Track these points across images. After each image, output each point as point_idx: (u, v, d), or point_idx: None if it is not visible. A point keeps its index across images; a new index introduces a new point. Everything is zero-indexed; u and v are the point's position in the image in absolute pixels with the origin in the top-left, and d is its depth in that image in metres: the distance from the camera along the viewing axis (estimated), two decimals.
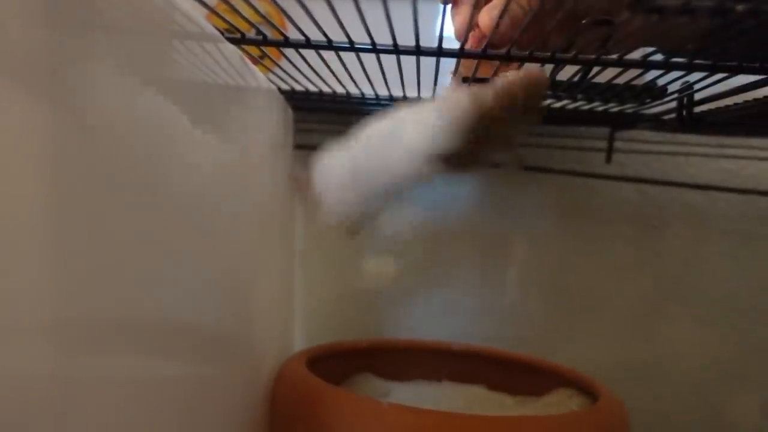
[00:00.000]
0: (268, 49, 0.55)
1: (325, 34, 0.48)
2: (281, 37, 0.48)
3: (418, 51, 0.49)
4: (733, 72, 0.45)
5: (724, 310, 0.88)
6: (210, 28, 0.41)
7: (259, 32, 0.47)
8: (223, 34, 0.46)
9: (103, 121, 0.28)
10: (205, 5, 0.40)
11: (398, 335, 0.91)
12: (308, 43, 0.49)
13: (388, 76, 0.59)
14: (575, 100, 0.60)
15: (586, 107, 0.65)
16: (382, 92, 0.66)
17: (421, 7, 0.40)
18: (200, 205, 0.43)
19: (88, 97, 0.27)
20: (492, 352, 0.81)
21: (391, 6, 0.39)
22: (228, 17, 0.45)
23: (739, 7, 0.32)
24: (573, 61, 0.47)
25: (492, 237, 0.91)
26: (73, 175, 0.26)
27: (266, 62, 0.64)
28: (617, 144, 0.86)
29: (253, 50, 0.53)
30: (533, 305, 0.91)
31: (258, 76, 0.54)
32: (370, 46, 0.49)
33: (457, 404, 0.74)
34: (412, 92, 0.65)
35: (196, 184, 0.41)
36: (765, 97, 0.51)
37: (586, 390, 0.70)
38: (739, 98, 0.54)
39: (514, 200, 0.91)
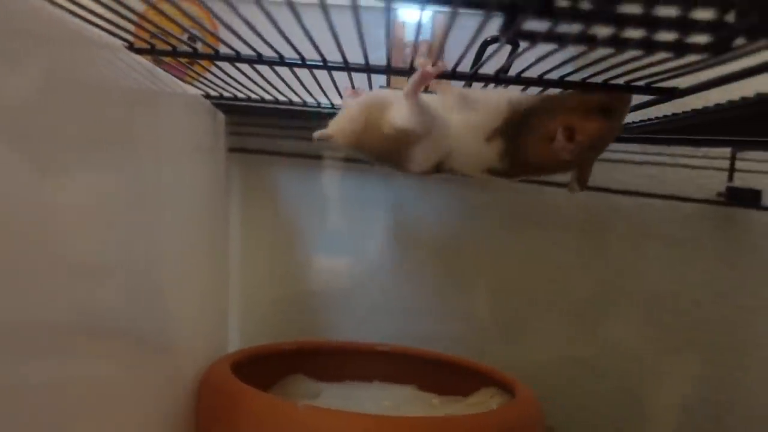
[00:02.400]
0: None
1: (253, 49, 0.48)
2: (211, 51, 0.49)
3: (347, 67, 0.51)
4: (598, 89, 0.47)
5: (650, 309, 0.92)
6: (110, 39, 0.42)
7: (191, 38, 0.48)
8: (131, 45, 0.46)
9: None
10: (135, 12, 0.40)
11: (337, 337, 0.92)
12: (238, 57, 0.50)
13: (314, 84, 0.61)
14: None
15: None
16: (312, 100, 0.67)
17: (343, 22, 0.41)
18: (110, 205, 0.43)
19: None
20: (422, 353, 0.83)
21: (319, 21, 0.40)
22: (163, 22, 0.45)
23: (601, 35, 0.34)
24: (517, 81, 0.50)
25: (437, 240, 0.93)
26: None
27: (197, 68, 0.65)
28: None
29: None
30: (479, 306, 0.94)
31: (172, 83, 0.55)
32: (299, 61, 0.50)
33: (385, 404, 0.76)
34: (338, 99, 0.66)
35: (102, 187, 0.42)
36: (665, 115, 0.53)
37: (507, 389, 0.73)
38: (645, 113, 0.57)
39: (461, 204, 0.93)
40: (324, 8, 0.36)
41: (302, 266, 0.95)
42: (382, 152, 0.54)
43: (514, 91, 0.53)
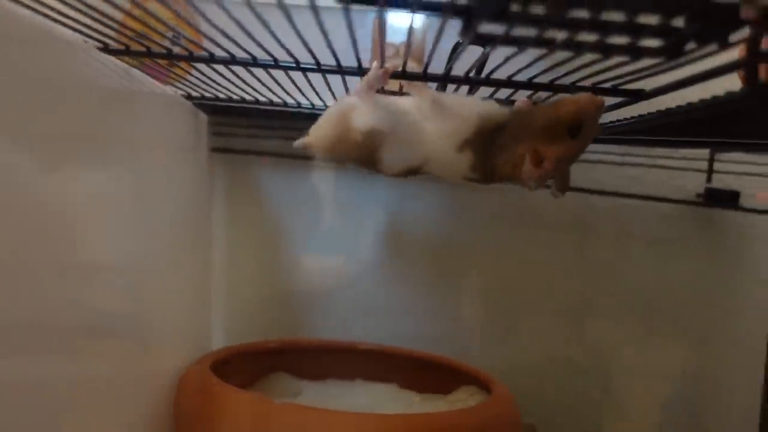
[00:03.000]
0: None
1: (227, 51, 0.49)
2: (186, 53, 0.49)
3: (319, 68, 0.52)
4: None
5: (632, 309, 0.93)
6: (83, 41, 0.43)
7: (174, 37, 0.48)
8: (106, 46, 0.47)
9: None
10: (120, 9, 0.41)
11: (322, 336, 0.93)
12: (212, 59, 0.51)
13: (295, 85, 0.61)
14: None
15: None
16: (292, 100, 0.68)
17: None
18: (84, 204, 0.44)
19: None
20: (403, 352, 0.84)
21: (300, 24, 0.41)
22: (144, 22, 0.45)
23: (558, 38, 0.35)
24: (487, 83, 0.50)
25: (423, 240, 0.94)
26: None
27: (177, 70, 0.65)
28: None
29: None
30: (464, 306, 0.95)
31: (149, 83, 0.55)
32: (272, 62, 0.51)
33: (364, 402, 0.77)
34: (317, 100, 0.67)
35: (76, 186, 0.42)
36: (633, 116, 0.54)
37: (485, 387, 0.73)
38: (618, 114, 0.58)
39: (447, 205, 0.93)
40: (283, 9, 0.36)
41: (287, 265, 0.95)
42: (356, 158, 0.55)
43: (486, 102, 0.52)
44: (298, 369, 0.82)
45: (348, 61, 0.51)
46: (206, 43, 0.51)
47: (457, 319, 0.95)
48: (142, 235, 0.56)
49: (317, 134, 0.55)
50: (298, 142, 0.57)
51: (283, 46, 0.47)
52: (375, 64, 0.51)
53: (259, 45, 0.45)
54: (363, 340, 0.87)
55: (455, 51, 0.51)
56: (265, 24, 0.41)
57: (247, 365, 0.78)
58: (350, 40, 0.40)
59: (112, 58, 0.47)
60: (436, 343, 0.89)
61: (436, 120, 0.52)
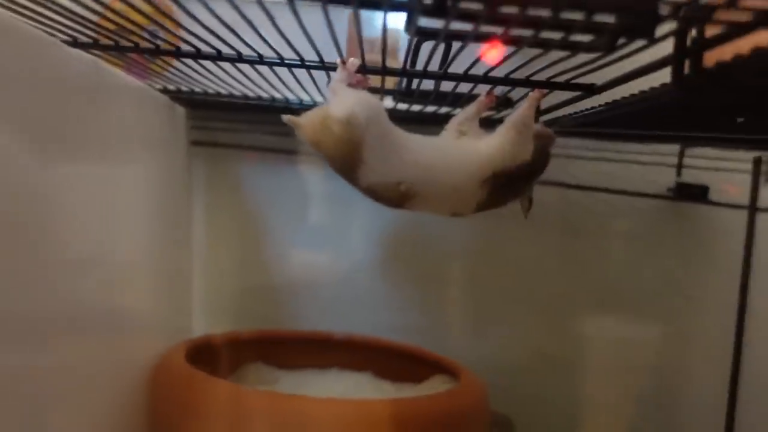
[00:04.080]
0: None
1: (212, 47, 0.50)
2: (152, 46, 0.51)
3: (303, 65, 0.53)
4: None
5: (607, 302, 0.95)
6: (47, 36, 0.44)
7: (153, 31, 0.50)
8: (74, 41, 0.48)
9: None
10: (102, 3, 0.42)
11: (302, 327, 0.94)
12: (178, 52, 0.52)
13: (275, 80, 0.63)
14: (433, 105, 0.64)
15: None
16: (268, 95, 0.70)
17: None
18: (52, 196, 0.45)
19: None
20: (378, 342, 0.86)
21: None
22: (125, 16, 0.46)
23: (498, 31, 0.36)
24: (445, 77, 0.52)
25: (406, 234, 0.96)
26: None
27: (154, 66, 0.66)
28: None
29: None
30: (446, 300, 0.96)
31: (118, 77, 0.57)
32: (257, 58, 0.52)
33: (339, 390, 0.78)
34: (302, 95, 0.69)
35: (43, 178, 0.44)
36: (586, 108, 0.56)
37: (457, 376, 0.75)
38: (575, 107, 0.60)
39: None
40: (262, 5, 0.37)
41: (269, 258, 0.97)
42: (338, 157, 0.50)
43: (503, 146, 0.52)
44: (275, 359, 0.84)
45: (333, 56, 0.51)
46: (186, 39, 0.51)
47: (438, 313, 0.96)
48: (113, 227, 0.58)
49: (308, 117, 0.51)
50: (288, 118, 0.52)
51: (267, 42, 0.48)
52: (351, 60, 0.51)
53: (244, 42, 0.46)
54: (342, 330, 0.88)
55: (418, 46, 0.52)
56: (249, 21, 0.42)
57: (224, 355, 0.80)
58: (304, 34, 0.41)
59: (81, 53, 0.48)
60: (416, 336, 0.91)
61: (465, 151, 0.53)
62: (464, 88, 0.57)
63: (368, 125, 0.48)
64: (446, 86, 0.58)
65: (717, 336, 0.90)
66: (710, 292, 0.93)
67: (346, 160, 0.50)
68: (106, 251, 0.56)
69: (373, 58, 0.54)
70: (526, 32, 0.36)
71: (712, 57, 0.35)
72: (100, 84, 0.51)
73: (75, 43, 0.48)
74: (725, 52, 0.33)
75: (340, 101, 0.49)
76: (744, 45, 0.31)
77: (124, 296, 0.62)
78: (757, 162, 0.86)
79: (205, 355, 0.74)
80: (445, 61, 0.52)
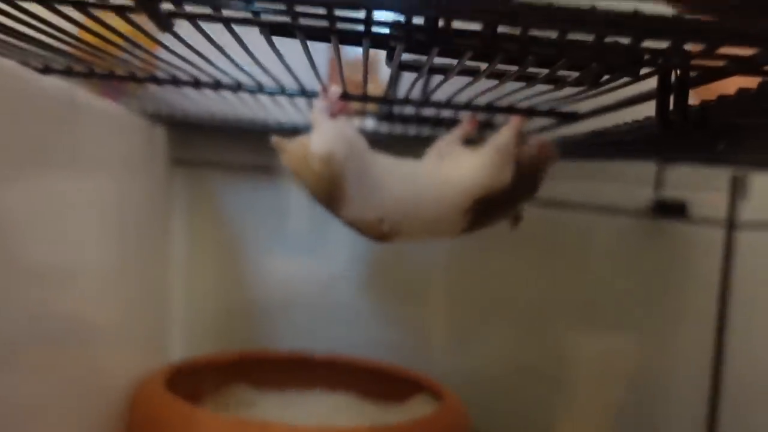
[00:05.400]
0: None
1: (191, 75, 0.49)
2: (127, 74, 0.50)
3: (283, 92, 0.53)
4: None
5: (587, 318, 0.95)
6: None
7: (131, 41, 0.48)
8: (46, 67, 0.47)
9: None
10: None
11: (283, 346, 0.93)
12: (155, 79, 0.51)
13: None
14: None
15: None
16: (248, 118, 0.69)
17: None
18: (25, 219, 0.44)
19: None
20: (360, 361, 0.85)
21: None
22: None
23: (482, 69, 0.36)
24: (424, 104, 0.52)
25: (384, 251, 0.95)
26: None
27: (130, 87, 0.65)
28: None
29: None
30: (425, 316, 0.96)
31: (93, 102, 0.56)
32: (235, 85, 0.51)
33: (321, 412, 0.78)
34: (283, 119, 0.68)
35: (14, 203, 0.43)
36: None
37: (439, 396, 0.75)
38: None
39: None
40: (234, 34, 0.37)
41: (249, 277, 0.96)
42: (316, 192, 0.50)
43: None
44: (257, 380, 0.83)
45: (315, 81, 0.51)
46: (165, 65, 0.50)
47: (418, 328, 0.96)
48: (88, 246, 0.57)
49: (291, 147, 0.50)
50: (276, 140, 0.51)
51: (245, 71, 0.47)
52: (332, 89, 0.51)
53: (221, 71, 0.46)
54: (324, 349, 0.87)
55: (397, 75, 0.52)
56: (225, 53, 0.41)
57: (205, 377, 0.79)
58: (280, 60, 0.41)
59: (54, 80, 0.47)
60: (396, 352, 0.91)
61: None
62: (446, 112, 0.57)
63: (347, 162, 0.48)
64: (428, 111, 0.58)
65: (695, 349, 0.91)
66: (689, 306, 0.93)
67: (327, 196, 0.49)
68: (78, 269, 0.55)
69: (357, 79, 0.53)
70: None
71: (702, 92, 0.35)
72: (75, 109, 0.50)
73: (47, 70, 0.47)
74: (714, 89, 0.33)
75: (320, 136, 0.49)
76: (730, 85, 0.31)
77: (98, 314, 0.61)
78: (735, 179, 0.87)
79: (185, 378, 0.73)
80: (426, 90, 0.52)
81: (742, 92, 0.29)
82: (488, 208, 0.52)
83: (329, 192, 0.49)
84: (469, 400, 0.74)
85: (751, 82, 0.31)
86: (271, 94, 0.51)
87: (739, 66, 0.30)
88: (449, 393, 0.73)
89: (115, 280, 0.65)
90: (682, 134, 0.32)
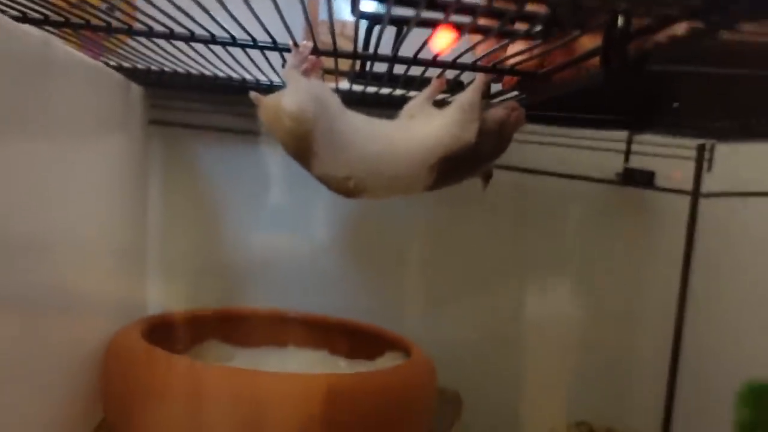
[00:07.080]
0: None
1: (146, 25, 0.50)
2: (103, 24, 0.51)
3: (255, 45, 0.53)
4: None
5: (555, 283, 0.98)
6: None
7: (108, 9, 0.49)
8: (24, 16, 0.48)
9: None
10: None
11: (259, 306, 0.95)
12: (130, 30, 0.52)
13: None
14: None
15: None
16: (225, 75, 0.70)
17: None
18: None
19: None
20: (333, 320, 0.88)
21: None
22: None
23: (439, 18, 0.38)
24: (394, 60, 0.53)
25: (357, 216, 0.97)
26: None
27: (109, 43, 0.66)
28: None
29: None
30: (397, 280, 0.98)
31: (69, 55, 0.56)
32: (209, 38, 0.52)
33: (294, 367, 0.80)
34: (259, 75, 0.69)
35: None
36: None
37: (408, 353, 0.78)
38: None
39: None
40: None
41: (226, 238, 0.97)
42: (288, 146, 0.52)
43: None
44: (232, 337, 0.85)
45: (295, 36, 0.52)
46: (142, 17, 0.51)
47: (393, 293, 0.98)
48: (64, 205, 0.57)
49: (266, 101, 0.53)
50: (254, 95, 0.53)
51: (217, 22, 0.48)
52: (303, 44, 0.52)
53: (196, 21, 0.47)
54: (298, 309, 0.90)
55: (371, 30, 0.53)
56: (199, 4, 0.42)
57: (181, 332, 0.81)
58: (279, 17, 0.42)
59: (32, 28, 0.48)
60: (370, 315, 0.93)
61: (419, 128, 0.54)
62: (416, 71, 0.58)
63: (317, 120, 0.50)
64: (399, 69, 0.59)
65: (659, 315, 0.94)
66: (654, 273, 0.97)
67: (298, 151, 0.52)
68: (56, 229, 0.56)
69: (330, 39, 0.55)
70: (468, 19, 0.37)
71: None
72: (50, 61, 0.51)
73: (24, 19, 0.48)
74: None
75: (292, 93, 0.51)
76: (663, 36, 0.33)
77: (77, 274, 0.62)
78: (701, 149, 0.89)
79: (161, 332, 0.75)
80: (395, 45, 0.54)
81: (675, 39, 0.31)
82: (453, 166, 0.54)
83: (299, 148, 0.52)
84: (439, 363, 0.76)
85: None
86: (244, 46, 0.52)
87: (681, 12, 0.31)
88: (417, 349, 0.76)
89: (92, 241, 0.66)
90: (622, 80, 0.34)
